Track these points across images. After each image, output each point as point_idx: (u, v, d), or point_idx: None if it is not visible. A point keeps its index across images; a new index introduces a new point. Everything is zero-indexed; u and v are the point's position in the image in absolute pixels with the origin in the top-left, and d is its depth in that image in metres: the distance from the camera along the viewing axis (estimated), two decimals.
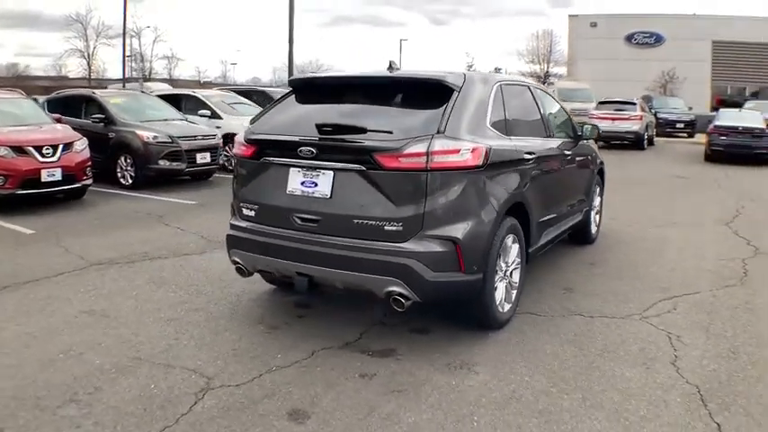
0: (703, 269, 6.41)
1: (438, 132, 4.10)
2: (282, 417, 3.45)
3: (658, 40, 39.16)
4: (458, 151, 4.09)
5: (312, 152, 4.23)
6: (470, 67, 51.41)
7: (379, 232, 4.07)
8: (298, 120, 4.63)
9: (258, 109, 12.37)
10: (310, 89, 5.08)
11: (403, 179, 4.07)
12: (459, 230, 4.09)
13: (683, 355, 4.28)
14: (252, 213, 4.56)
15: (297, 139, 4.34)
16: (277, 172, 4.46)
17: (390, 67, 4.98)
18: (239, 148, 4.72)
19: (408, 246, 4.03)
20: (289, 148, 4.38)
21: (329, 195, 4.22)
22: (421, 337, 4.55)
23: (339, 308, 5.03)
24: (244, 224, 4.61)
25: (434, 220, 4.05)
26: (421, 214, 4.02)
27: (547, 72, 40.68)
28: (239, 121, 12.42)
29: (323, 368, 4.01)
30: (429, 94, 4.45)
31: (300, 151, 4.27)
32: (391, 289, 4.04)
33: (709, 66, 36.38)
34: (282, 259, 4.37)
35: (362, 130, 4.18)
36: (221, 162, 12.56)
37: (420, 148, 4.03)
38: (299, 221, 4.30)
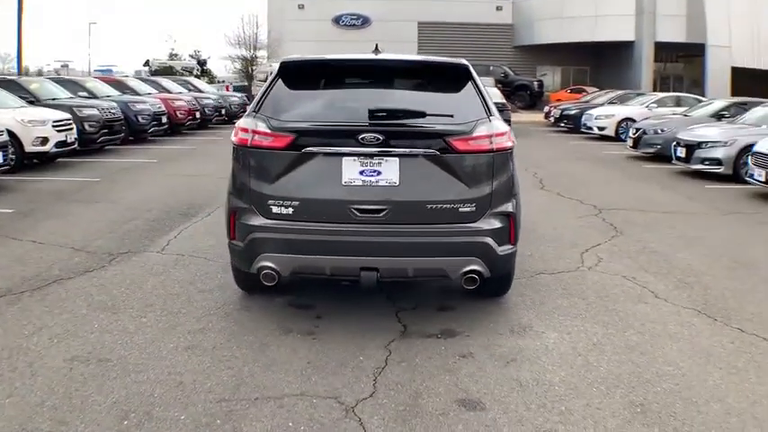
0: (579, 226, 7.58)
1: (489, 116, 4.20)
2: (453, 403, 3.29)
3: (365, 21, 42.25)
4: (504, 134, 4.25)
5: (378, 139, 3.92)
6: (173, 52, 48.90)
7: (453, 215, 4.04)
8: (333, 106, 4.20)
9: None
10: (314, 72, 4.58)
11: (475, 161, 4.11)
12: (511, 206, 4.28)
13: (656, 290, 5.16)
14: (289, 211, 4.01)
15: (356, 126, 3.98)
16: (325, 163, 4.01)
17: (376, 50, 4.82)
18: (260, 140, 4.05)
19: (481, 224, 4.10)
20: (344, 137, 3.99)
21: (398, 183, 3.99)
22: (454, 314, 4.63)
23: (350, 310, 4.77)
24: (275, 224, 4.04)
25: (498, 197, 4.18)
26: (489, 193, 4.12)
27: (254, 56, 41.00)
28: None
29: (408, 355, 3.86)
30: (451, 77, 4.47)
31: (363, 139, 3.92)
32: (470, 268, 4.06)
33: (416, 45, 40.56)
34: (341, 255, 4.00)
35: (422, 114, 4.05)
36: None
37: (484, 130, 4.10)
38: (357, 213, 3.97)
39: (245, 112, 21.66)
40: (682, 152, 11.63)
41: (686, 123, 13.04)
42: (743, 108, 13.44)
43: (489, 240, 4.11)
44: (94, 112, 12.44)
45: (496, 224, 4.15)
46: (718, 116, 13.82)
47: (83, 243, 6.20)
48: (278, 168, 4.04)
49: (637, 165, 13.46)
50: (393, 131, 4.00)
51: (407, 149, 4.01)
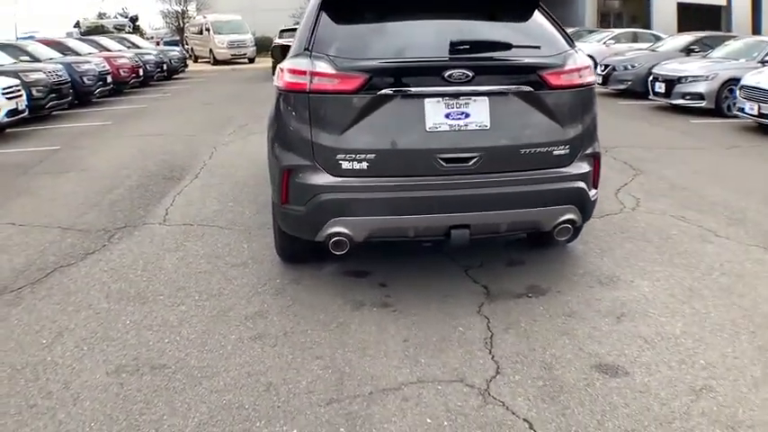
0: None
1: (573, 47, 3.53)
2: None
3: None
4: (589, 67, 3.59)
5: (468, 76, 3.18)
6: (102, 12, 45.90)
7: (547, 159, 3.39)
8: (403, 39, 3.40)
9: None
10: (365, 1, 3.67)
11: (568, 97, 3.46)
12: (597, 145, 3.67)
13: (713, 229, 4.76)
14: (362, 166, 3.23)
15: (439, 62, 3.20)
16: (406, 107, 3.23)
17: None
18: (324, 83, 3.21)
19: (575, 168, 3.49)
20: (426, 74, 3.22)
21: (488, 126, 3.28)
22: (528, 269, 4.04)
23: (414, 274, 4.10)
24: (346, 181, 3.26)
25: (587, 137, 3.58)
26: (581, 134, 3.50)
27: (184, 9, 38.35)
28: None
29: (509, 319, 3.29)
30: (519, 3, 3.75)
31: (450, 76, 3.16)
32: (566, 217, 3.45)
33: None
34: (427, 214, 3.28)
35: (508, 46, 3.32)
36: None
37: (574, 63, 3.45)
38: (443, 164, 3.24)
39: (186, 66, 19.84)
40: (660, 87, 11.19)
41: (656, 59, 12.59)
42: (707, 45, 13.17)
43: (583, 185, 3.50)
44: (41, 76, 10.86)
45: (586, 167, 3.54)
46: (687, 51, 13.51)
47: (70, 221, 5.16)
48: (348, 116, 3.22)
49: (612, 102, 12.88)
50: (481, 66, 3.26)
51: (497, 87, 3.29)
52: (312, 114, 3.26)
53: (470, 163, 3.27)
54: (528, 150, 3.34)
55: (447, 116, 3.23)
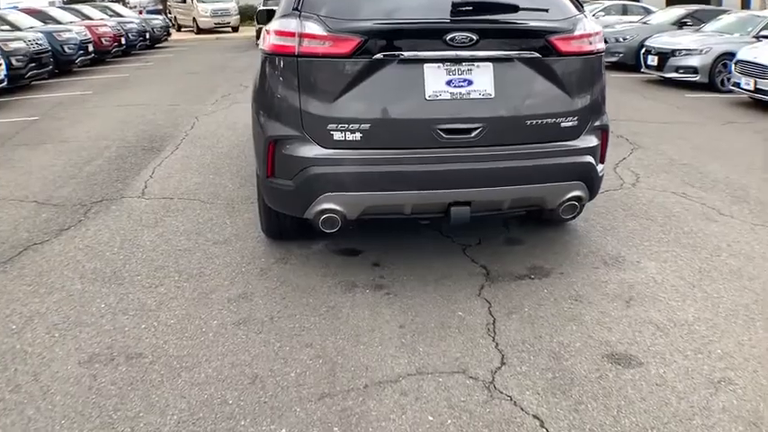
0: None
1: (581, 12, 3.23)
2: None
3: None
4: (599, 33, 3.30)
5: (471, 39, 2.88)
6: None
7: (554, 131, 3.12)
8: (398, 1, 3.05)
9: None
10: None
11: (578, 65, 3.18)
12: (606, 118, 3.40)
13: (716, 207, 4.55)
14: (356, 137, 2.93)
15: (440, 24, 2.89)
16: (403, 72, 2.93)
17: None
18: (314, 45, 2.89)
19: (583, 142, 3.22)
20: (426, 37, 2.91)
21: (492, 94, 2.99)
22: (528, 248, 3.80)
23: (408, 253, 3.84)
24: (338, 154, 2.97)
25: (596, 109, 3.31)
26: (590, 105, 3.23)
27: None
28: None
29: (511, 304, 3.04)
30: None
31: (452, 40, 2.86)
32: (573, 195, 3.20)
33: None
34: (425, 189, 3.01)
35: (514, 8, 2.99)
36: None
37: (583, 28, 3.17)
38: (443, 135, 2.96)
39: (169, 35, 19.06)
40: (653, 60, 10.87)
41: (648, 32, 12.24)
42: (699, 19, 12.84)
43: (591, 160, 3.25)
44: (21, 45, 10.32)
45: (595, 141, 3.28)
46: (679, 24, 13.15)
47: (45, 194, 4.81)
48: (340, 82, 2.91)
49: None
50: (486, 29, 2.95)
51: (503, 52, 3.00)
52: (301, 80, 2.94)
53: (473, 135, 2.98)
54: (534, 122, 3.06)
55: (448, 83, 2.93)
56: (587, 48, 3.16)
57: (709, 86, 10.06)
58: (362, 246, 3.78)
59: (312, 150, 2.97)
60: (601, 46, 3.30)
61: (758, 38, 9.99)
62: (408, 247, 3.77)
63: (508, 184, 3.07)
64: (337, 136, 2.94)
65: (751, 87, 8.40)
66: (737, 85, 8.70)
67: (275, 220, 3.62)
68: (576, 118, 3.15)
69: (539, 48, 3.03)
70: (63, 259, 3.62)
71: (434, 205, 3.09)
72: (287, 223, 3.60)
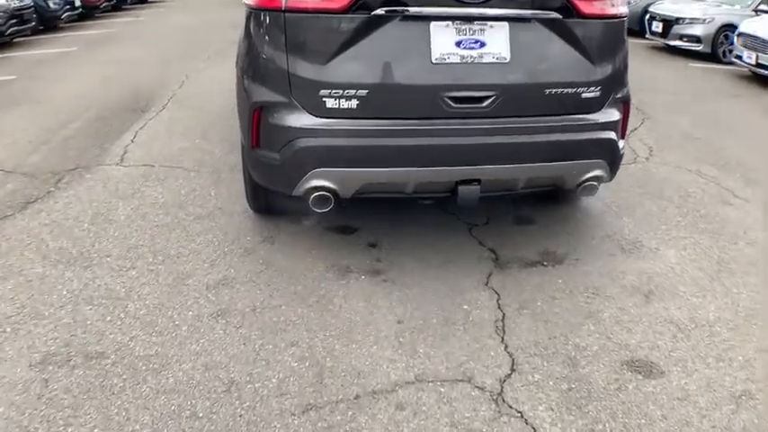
0: None
1: None
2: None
3: None
4: None
5: None
6: None
7: (574, 103, 2.72)
8: None
9: None
10: None
11: (601, 29, 2.78)
12: (627, 90, 3.00)
13: (731, 188, 4.23)
14: (351, 104, 2.53)
15: None
16: (406, 31, 2.50)
17: None
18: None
19: (604, 116, 2.83)
20: None
21: (508, 58, 2.58)
22: (539, 229, 3.44)
23: (408, 231, 3.47)
24: (332, 123, 2.56)
25: (619, 79, 2.91)
26: (612, 74, 2.83)
27: None
28: None
29: (523, 297, 2.69)
30: None
31: None
32: (594, 174, 2.83)
33: None
34: (430, 166, 2.63)
35: None
36: None
37: None
38: (451, 104, 2.56)
39: None
40: (658, 27, 10.43)
41: None
42: None
43: (614, 136, 2.86)
44: (1, 1, 9.73)
45: (617, 114, 2.89)
46: None
47: (14, 161, 4.37)
48: (334, 42, 2.48)
49: None
50: None
51: (520, 11, 2.57)
52: (289, 39, 2.51)
53: (484, 104, 2.58)
54: (553, 91, 2.65)
55: (458, 44, 2.51)
56: (610, 11, 2.74)
57: (712, 57, 9.60)
58: (358, 222, 3.41)
59: (301, 119, 2.57)
60: (624, 10, 2.87)
61: (757, 11, 9.55)
62: (409, 224, 3.41)
63: (523, 162, 2.69)
64: (330, 103, 2.53)
65: (753, 61, 7.98)
66: (740, 57, 8.28)
67: (262, 194, 3.24)
68: (598, 88, 2.74)
69: (558, 8, 2.60)
70: (25, 238, 3.24)
71: (440, 184, 2.71)
72: (274, 198, 3.23)
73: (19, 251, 3.09)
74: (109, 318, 2.52)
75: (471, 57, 2.53)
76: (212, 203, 3.68)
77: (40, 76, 7.60)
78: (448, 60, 2.52)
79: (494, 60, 2.55)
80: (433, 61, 2.51)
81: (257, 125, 2.71)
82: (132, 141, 4.86)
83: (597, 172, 2.83)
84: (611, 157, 2.88)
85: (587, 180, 2.85)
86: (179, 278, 2.84)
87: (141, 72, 7.63)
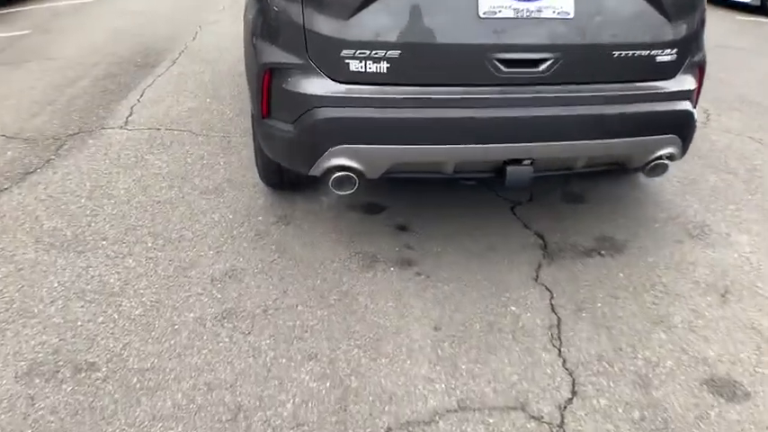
0: None
1: None
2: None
3: None
4: None
5: None
6: None
7: (647, 68, 2.22)
8: None
9: None
10: None
11: None
12: (704, 54, 2.47)
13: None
14: (381, 68, 2.05)
15: None
16: None
17: None
18: None
19: (680, 84, 2.31)
20: None
21: (571, 13, 2.07)
22: (591, 208, 2.98)
23: (442, 210, 3.02)
24: (356, 90, 2.11)
25: (696, 40, 2.37)
26: (690, 34, 2.29)
27: None
28: None
29: (579, 296, 2.26)
30: None
31: None
32: (665, 152, 2.35)
33: None
34: (475, 143, 2.18)
35: None
36: None
37: None
38: (502, 68, 2.08)
39: None
40: None
41: None
42: None
43: (689, 107, 2.35)
44: None
45: (692, 82, 2.37)
46: None
47: (17, 126, 3.96)
48: None
49: None
50: None
51: None
52: None
53: (542, 68, 2.09)
54: (623, 53, 2.14)
55: None
56: None
57: (760, 10, 8.68)
58: (386, 200, 2.98)
59: (320, 85, 2.11)
60: None
61: None
62: (442, 202, 2.97)
63: (585, 138, 2.21)
64: (354, 66, 2.07)
65: None
66: None
67: (275, 167, 2.82)
68: (674, 51, 2.22)
69: None
70: (20, 215, 2.87)
71: (486, 163, 2.25)
72: (290, 171, 2.81)
73: (12, 232, 2.73)
74: (101, 318, 2.17)
75: (528, 10, 2.02)
76: (221, 174, 3.28)
77: (53, 29, 7.11)
78: (499, 14, 2.01)
79: (554, 15, 2.04)
80: (481, 15, 2.01)
81: (268, 91, 2.26)
82: (138, 101, 4.43)
83: (670, 149, 2.35)
84: (685, 131, 2.38)
85: (658, 158, 2.37)
86: (180, 268, 2.46)
87: (155, 23, 7.11)
